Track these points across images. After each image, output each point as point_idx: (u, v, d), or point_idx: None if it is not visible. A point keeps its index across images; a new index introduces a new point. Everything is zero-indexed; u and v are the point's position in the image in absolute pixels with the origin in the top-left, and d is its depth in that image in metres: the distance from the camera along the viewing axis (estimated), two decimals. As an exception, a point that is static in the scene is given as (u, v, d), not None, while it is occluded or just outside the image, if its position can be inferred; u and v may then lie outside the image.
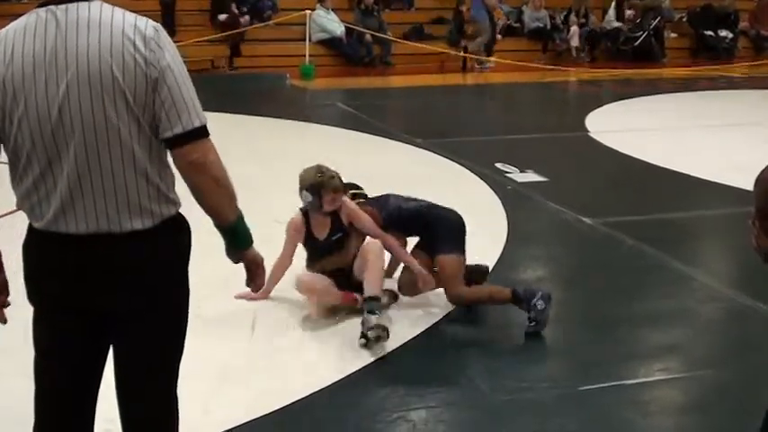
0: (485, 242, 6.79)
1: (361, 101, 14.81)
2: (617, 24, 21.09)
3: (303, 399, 4.42)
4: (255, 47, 18.72)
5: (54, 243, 2.72)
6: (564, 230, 7.50)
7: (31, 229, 2.79)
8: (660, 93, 16.09)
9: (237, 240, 2.89)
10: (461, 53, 19.25)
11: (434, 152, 10.19)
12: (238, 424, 4.16)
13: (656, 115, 13.75)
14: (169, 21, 19.34)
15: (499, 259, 6.47)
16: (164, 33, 2.69)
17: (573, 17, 20.92)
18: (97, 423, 3.78)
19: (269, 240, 6.46)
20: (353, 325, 5.30)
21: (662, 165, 9.69)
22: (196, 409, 4.29)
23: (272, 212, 6.59)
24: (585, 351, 5.06)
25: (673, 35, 21.80)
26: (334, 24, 19.22)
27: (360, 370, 4.74)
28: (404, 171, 9.03)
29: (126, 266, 2.73)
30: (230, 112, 13.17)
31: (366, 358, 4.85)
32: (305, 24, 18.52)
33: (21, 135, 2.64)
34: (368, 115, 13.12)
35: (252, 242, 2.92)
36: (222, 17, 18.73)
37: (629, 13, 20.78)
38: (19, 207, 2.81)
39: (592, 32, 20.81)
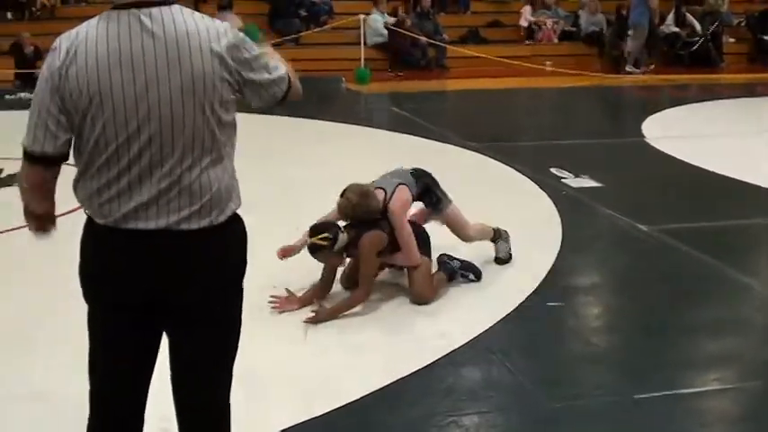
0: (539, 247, 6.78)
1: (416, 104, 14.82)
2: (675, 29, 20.89)
3: (354, 402, 4.43)
4: (311, 51, 18.80)
5: (124, 239, 2.78)
6: (619, 237, 7.44)
7: (92, 227, 2.86)
8: (718, 98, 15.91)
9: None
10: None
11: (489, 156, 10.17)
12: (289, 426, 4.18)
13: (714, 121, 13.59)
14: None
15: (553, 265, 6.43)
16: (241, 36, 2.82)
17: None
18: (153, 422, 3.83)
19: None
20: (405, 329, 5.32)
21: (719, 172, 9.57)
22: (248, 410, 4.33)
23: (325, 214, 6.63)
24: (640, 359, 5.02)
25: (731, 40, 21.56)
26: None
27: (411, 374, 4.74)
28: (457, 175, 9.01)
29: (198, 262, 2.81)
30: (285, 116, 13.24)
31: (418, 362, 4.85)
32: (360, 28, 18.58)
33: (102, 137, 2.71)
34: (422, 119, 13.12)
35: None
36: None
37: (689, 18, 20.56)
38: (83, 205, 2.88)
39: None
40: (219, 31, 2.75)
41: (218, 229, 2.81)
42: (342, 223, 5.62)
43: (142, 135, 2.70)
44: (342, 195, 5.59)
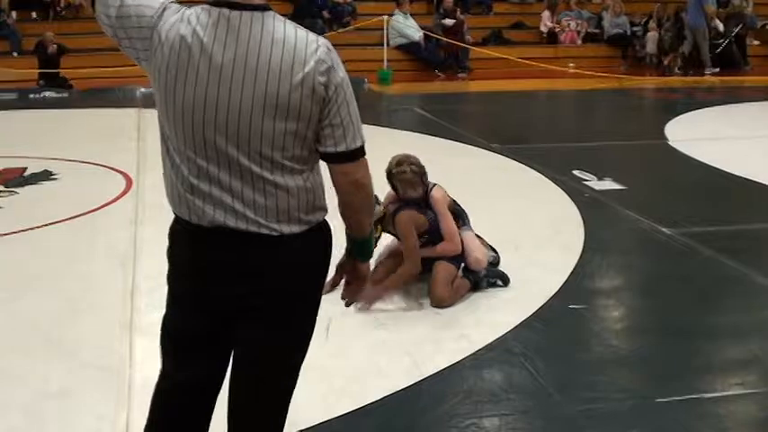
0: (561, 249, 6.77)
1: (439, 106, 14.81)
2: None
3: (375, 402, 4.44)
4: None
5: (198, 236, 2.83)
6: (641, 240, 7.41)
7: (176, 221, 2.92)
8: (742, 101, 15.83)
9: (364, 252, 3.09)
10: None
11: (511, 158, 10.15)
12: (310, 425, 4.19)
13: (737, 124, 13.53)
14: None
15: (575, 267, 6.41)
16: (335, 53, 2.76)
17: (652, 23, 20.68)
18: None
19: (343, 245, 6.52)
20: (426, 331, 5.32)
21: (742, 175, 9.52)
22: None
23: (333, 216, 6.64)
24: (661, 362, 5.00)
25: (755, 42, 21.44)
26: (412, 29, 19.26)
27: (432, 375, 4.74)
28: (480, 177, 9.02)
29: (273, 267, 2.83)
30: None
31: (439, 364, 4.85)
32: (383, 29, 18.59)
33: (174, 124, 2.75)
34: (445, 120, 13.12)
35: (371, 257, 3.16)
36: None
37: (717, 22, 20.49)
38: (168, 197, 2.91)
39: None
40: (310, 40, 2.72)
41: (297, 237, 2.83)
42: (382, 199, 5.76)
43: (208, 132, 2.72)
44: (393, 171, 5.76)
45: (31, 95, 16.25)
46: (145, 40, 2.75)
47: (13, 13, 19.33)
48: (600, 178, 9.19)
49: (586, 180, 9.14)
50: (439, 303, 5.64)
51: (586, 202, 8.27)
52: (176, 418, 3.06)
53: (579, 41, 21.14)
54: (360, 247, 3.05)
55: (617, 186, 8.95)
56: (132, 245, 6.80)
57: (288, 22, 2.75)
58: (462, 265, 5.84)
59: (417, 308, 5.66)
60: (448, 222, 5.78)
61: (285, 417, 3.06)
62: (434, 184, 5.91)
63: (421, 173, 5.77)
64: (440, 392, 4.59)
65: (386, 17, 18.80)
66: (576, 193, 8.61)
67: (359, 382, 4.66)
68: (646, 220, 7.70)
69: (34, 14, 19.63)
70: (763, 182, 9.21)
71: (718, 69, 19.49)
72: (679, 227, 7.46)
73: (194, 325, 2.92)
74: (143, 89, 16.74)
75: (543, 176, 9.29)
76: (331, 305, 5.47)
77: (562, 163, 9.82)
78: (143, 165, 9.73)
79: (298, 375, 3.04)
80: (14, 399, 4.45)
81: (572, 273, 6.30)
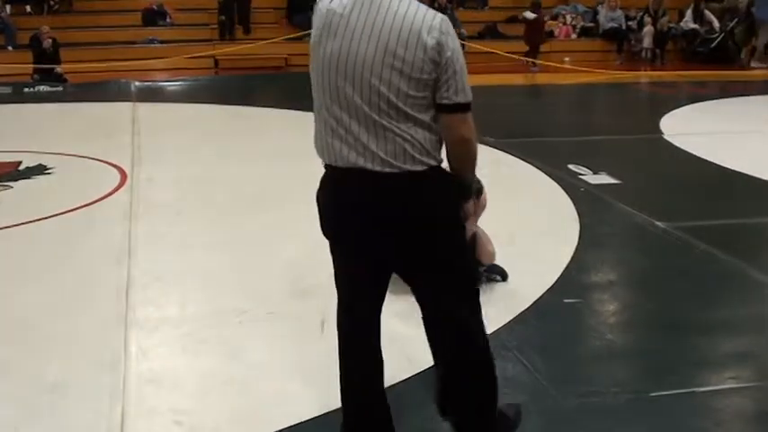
0: (556, 243, 6.77)
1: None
2: (693, 26, 20.82)
3: (370, 397, 4.43)
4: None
5: (338, 177, 3.41)
6: (636, 234, 7.42)
7: (325, 167, 3.48)
8: (736, 95, 15.84)
9: (464, 193, 3.59)
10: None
11: (507, 152, 10.16)
12: (304, 420, 4.21)
13: (733, 118, 13.54)
14: (244, 18, 19.56)
15: (570, 262, 6.42)
16: (451, 26, 3.27)
17: (647, 18, 20.69)
18: (166, 415, 3.85)
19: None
20: (420, 325, 5.31)
21: (738, 169, 9.54)
22: (266, 403, 4.35)
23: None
24: (656, 357, 5.00)
25: (751, 37, 21.47)
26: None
27: (425, 370, 4.73)
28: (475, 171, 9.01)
29: (402, 199, 3.33)
30: (304, 110, 13.26)
31: (432, 359, 4.84)
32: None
33: (317, 77, 3.35)
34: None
35: (471, 197, 3.80)
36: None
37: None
38: (315, 145, 3.49)
39: (663, 33, 20.57)
40: (428, 14, 3.23)
41: (423, 174, 3.32)
42: None
43: (343, 88, 3.30)
44: None
45: (26, 89, 16.23)
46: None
47: (8, 7, 19.32)
48: (595, 172, 9.20)
49: (581, 174, 9.15)
50: None
51: (581, 197, 8.28)
52: (352, 348, 3.75)
53: (574, 36, 21.15)
54: (461, 188, 3.52)
55: (612, 180, 8.95)
56: (127, 239, 6.78)
57: (418, 3, 3.28)
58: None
59: (412, 302, 5.65)
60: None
61: (477, 293, 3.70)
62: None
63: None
64: (432, 387, 4.59)
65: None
66: (571, 187, 8.62)
67: (354, 377, 4.65)
68: (641, 214, 7.71)
69: (28, 8, 19.61)
70: (759, 176, 9.23)
71: (765, 65, 19.65)
72: (674, 221, 7.46)
73: (347, 263, 3.59)
74: (137, 83, 16.74)
75: (538, 171, 9.29)
76: (325, 300, 5.50)
77: (557, 157, 9.83)
78: (138, 159, 9.73)
79: (470, 263, 3.83)
80: (9, 393, 4.45)
81: (567, 267, 6.30)
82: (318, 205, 3.55)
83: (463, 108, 3.35)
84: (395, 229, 3.36)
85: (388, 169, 3.27)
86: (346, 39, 3.24)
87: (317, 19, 3.35)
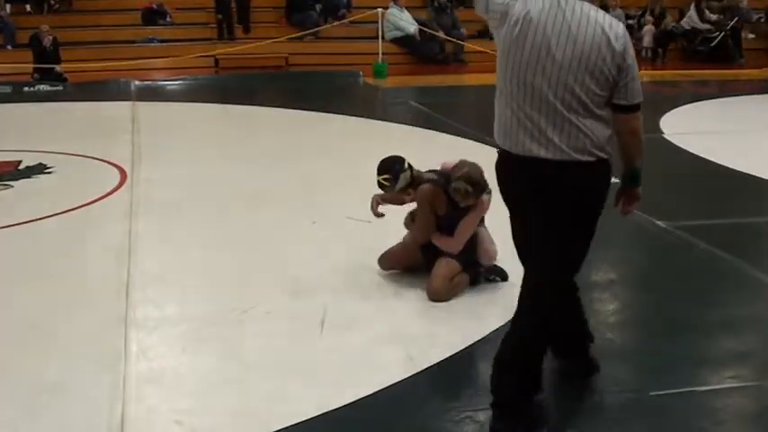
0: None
1: (434, 99, 14.80)
2: (694, 25, 20.80)
3: (370, 395, 4.44)
4: (329, 45, 18.80)
5: (518, 164, 3.87)
6: (636, 233, 7.41)
7: (500, 154, 3.98)
8: (737, 95, 15.84)
9: (633, 180, 4.22)
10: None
11: (506, 152, 10.15)
12: (306, 418, 4.20)
13: (733, 117, 13.54)
14: (244, 18, 19.55)
15: (570, 261, 6.40)
16: (625, 31, 3.75)
17: (648, 17, 20.67)
18: (167, 414, 3.85)
19: (341, 238, 6.52)
20: (421, 324, 5.32)
21: (738, 168, 9.53)
22: (265, 402, 4.35)
23: (343, 209, 6.64)
24: (656, 356, 5.00)
25: (750, 36, 21.46)
26: (407, 22, 19.25)
27: (428, 369, 4.74)
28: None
29: (573, 184, 3.88)
30: (303, 110, 13.28)
31: (434, 358, 4.85)
32: (378, 22, 18.57)
33: (510, 77, 3.79)
34: (440, 113, 13.12)
35: (640, 183, 4.24)
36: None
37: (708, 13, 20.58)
38: (495, 134, 3.94)
39: (666, 33, 20.53)
40: (613, 24, 3.71)
41: (589, 165, 3.85)
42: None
43: (537, 87, 3.75)
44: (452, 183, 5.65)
45: (26, 89, 16.22)
46: (495, 20, 3.91)
47: (8, 6, 19.31)
48: (595, 171, 9.17)
49: (581, 173, 9.12)
50: (434, 297, 5.63)
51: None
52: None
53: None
54: (630, 176, 4.16)
55: (612, 180, 8.91)
56: (127, 238, 6.78)
57: (598, 9, 3.75)
58: (473, 260, 5.84)
59: (413, 301, 5.66)
60: (467, 226, 5.72)
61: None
62: (490, 191, 5.83)
63: (474, 191, 5.62)
64: (434, 386, 4.60)
65: (381, 10, 18.77)
66: (571, 186, 8.59)
67: (354, 376, 4.65)
68: (641, 213, 7.69)
69: (28, 7, 19.61)
70: (759, 175, 9.23)
71: None
72: (674, 220, 7.46)
73: (523, 235, 4.17)
74: (137, 82, 16.74)
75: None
76: (325, 300, 5.51)
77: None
78: (138, 158, 9.73)
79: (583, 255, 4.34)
80: (9, 393, 4.45)
81: (567, 266, 6.29)
82: (499, 179, 4.08)
83: (638, 108, 3.85)
84: (549, 200, 3.88)
85: (558, 157, 3.76)
86: (545, 42, 3.68)
87: (510, 22, 3.78)
